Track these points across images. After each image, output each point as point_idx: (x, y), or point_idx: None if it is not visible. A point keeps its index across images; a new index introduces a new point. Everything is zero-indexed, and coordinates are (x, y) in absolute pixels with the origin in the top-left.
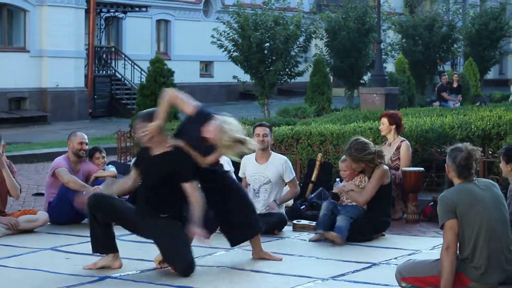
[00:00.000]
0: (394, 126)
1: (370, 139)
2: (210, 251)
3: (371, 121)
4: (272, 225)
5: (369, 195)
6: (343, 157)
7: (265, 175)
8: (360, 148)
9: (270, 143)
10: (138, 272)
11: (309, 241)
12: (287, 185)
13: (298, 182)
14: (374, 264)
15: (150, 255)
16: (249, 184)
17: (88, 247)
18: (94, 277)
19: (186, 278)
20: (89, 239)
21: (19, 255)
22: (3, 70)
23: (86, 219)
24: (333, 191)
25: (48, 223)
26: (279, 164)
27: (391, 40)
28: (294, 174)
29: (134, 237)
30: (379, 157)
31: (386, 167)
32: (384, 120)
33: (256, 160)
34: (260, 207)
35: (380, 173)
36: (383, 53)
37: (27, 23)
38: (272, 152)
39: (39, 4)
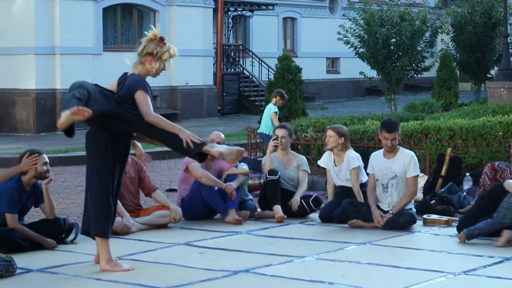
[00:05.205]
0: None
1: (500, 133)
2: (341, 245)
3: (500, 115)
4: (401, 225)
5: None
6: None
7: (392, 170)
8: None
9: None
10: (268, 265)
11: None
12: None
13: (428, 177)
14: (506, 259)
15: (281, 250)
16: (377, 180)
17: (222, 242)
18: (227, 271)
19: (316, 271)
20: (223, 233)
21: (154, 250)
22: None
23: (218, 214)
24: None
25: (182, 218)
26: (405, 159)
27: None
28: (418, 173)
29: (266, 232)
30: None
31: None
32: None
33: (384, 155)
34: (387, 202)
35: None
36: (510, 47)
37: (157, 23)
38: (400, 147)
39: (168, 4)
